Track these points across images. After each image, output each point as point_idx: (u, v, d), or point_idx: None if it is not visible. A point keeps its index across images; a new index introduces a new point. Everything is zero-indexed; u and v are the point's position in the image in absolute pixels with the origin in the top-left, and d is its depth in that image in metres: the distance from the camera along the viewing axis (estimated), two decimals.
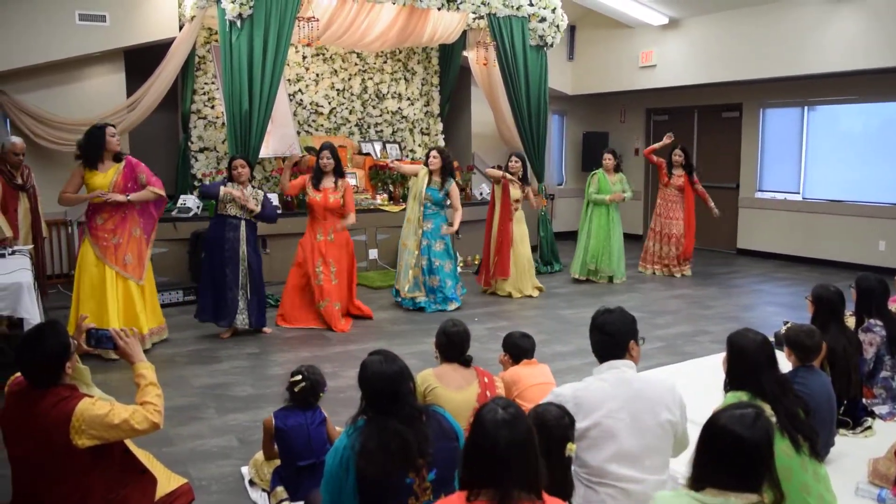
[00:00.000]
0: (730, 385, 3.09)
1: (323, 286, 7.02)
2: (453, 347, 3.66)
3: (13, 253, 5.81)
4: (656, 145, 9.68)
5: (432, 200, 7.74)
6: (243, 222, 6.60)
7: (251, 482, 3.86)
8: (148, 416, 2.79)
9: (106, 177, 5.95)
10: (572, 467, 2.83)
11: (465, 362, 3.68)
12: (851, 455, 3.93)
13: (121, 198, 5.92)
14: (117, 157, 6.03)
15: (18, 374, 2.81)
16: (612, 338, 2.94)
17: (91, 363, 3.28)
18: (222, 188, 6.54)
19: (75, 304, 6.03)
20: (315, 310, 7.11)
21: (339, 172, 7.12)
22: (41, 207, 7.13)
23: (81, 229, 6.05)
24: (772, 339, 4.13)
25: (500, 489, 1.98)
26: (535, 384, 4.01)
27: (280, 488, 3.59)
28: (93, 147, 5.91)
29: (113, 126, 6.10)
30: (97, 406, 2.72)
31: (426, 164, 7.81)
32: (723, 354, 3.17)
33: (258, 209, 6.62)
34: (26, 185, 6.91)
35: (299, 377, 3.65)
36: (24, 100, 8.22)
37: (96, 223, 5.99)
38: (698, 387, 4.50)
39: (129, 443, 3.02)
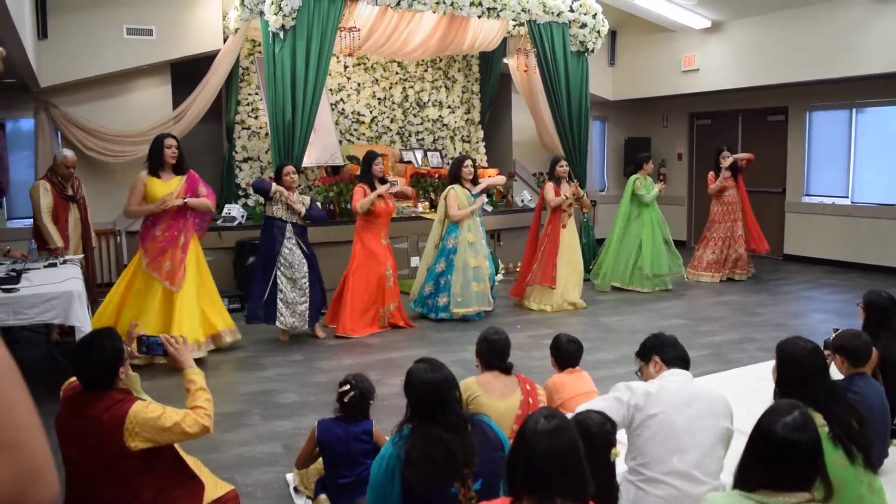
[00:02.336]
0: (780, 394, 3.04)
1: (393, 288, 7.30)
2: (495, 355, 3.65)
3: (65, 262, 5.95)
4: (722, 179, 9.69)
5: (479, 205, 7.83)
6: (289, 225, 6.73)
7: (296, 489, 3.89)
8: (199, 420, 2.85)
9: (167, 186, 6.13)
10: (625, 467, 2.88)
11: (506, 370, 3.67)
12: None
13: (178, 201, 6.09)
14: (179, 170, 6.22)
15: (73, 378, 2.88)
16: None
17: (139, 370, 3.34)
18: (273, 184, 6.69)
19: (113, 307, 6.12)
20: (373, 316, 7.24)
21: (383, 179, 7.32)
22: (91, 217, 7.29)
23: (139, 238, 6.22)
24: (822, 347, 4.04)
25: (541, 497, 1.99)
26: (578, 394, 3.99)
27: (323, 496, 3.60)
28: (152, 154, 6.14)
29: (174, 137, 6.28)
30: (150, 409, 2.78)
31: (455, 178, 7.72)
32: (773, 363, 3.12)
33: (303, 210, 6.73)
34: (77, 196, 7.07)
35: (347, 387, 3.58)
36: (74, 112, 8.43)
37: (154, 234, 6.14)
38: (745, 395, 4.43)
39: (178, 448, 3.07)
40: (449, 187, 7.72)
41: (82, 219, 7.11)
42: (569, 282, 8.21)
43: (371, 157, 7.31)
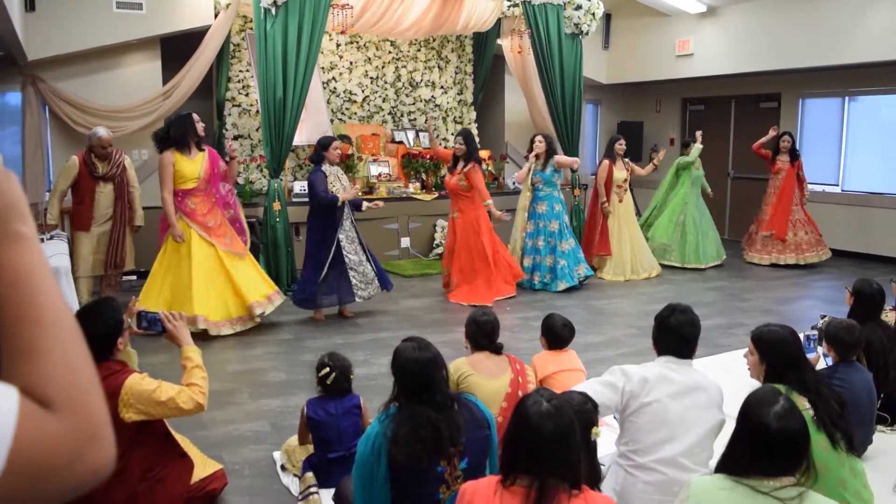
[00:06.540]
0: (765, 380, 3.05)
1: (444, 257, 7.97)
2: (483, 336, 3.64)
3: (51, 238, 5.91)
4: (763, 140, 9.72)
5: (543, 182, 8.35)
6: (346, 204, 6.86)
7: (283, 467, 3.89)
8: (193, 397, 2.88)
9: (194, 164, 6.26)
10: (614, 450, 2.88)
11: (497, 350, 3.67)
12: (889, 452, 3.88)
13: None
14: (198, 146, 6.35)
15: None
16: (686, 342, 3.07)
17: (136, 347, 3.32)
18: (340, 195, 6.67)
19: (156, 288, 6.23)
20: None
21: (468, 157, 7.51)
22: (134, 197, 6.99)
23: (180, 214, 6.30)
24: (812, 332, 4.07)
25: (538, 477, 2.01)
26: (562, 370, 4.01)
27: (309, 474, 3.60)
28: (181, 132, 6.22)
29: (197, 114, 6.41)
30: (146, 382, 2.82)
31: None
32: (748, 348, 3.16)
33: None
34: (109, 174, 6.77)
35: (327, 369, 3.61)
36: (62, 87, 8.31)
37: (189, 207, 6.25)
38: (733, 379, 4.46)
39: (169, 426, 3.08)
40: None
41: (117, 197, 6.87)
42: (644, 254, 9.08)
43: (457, 133, 7.73)
